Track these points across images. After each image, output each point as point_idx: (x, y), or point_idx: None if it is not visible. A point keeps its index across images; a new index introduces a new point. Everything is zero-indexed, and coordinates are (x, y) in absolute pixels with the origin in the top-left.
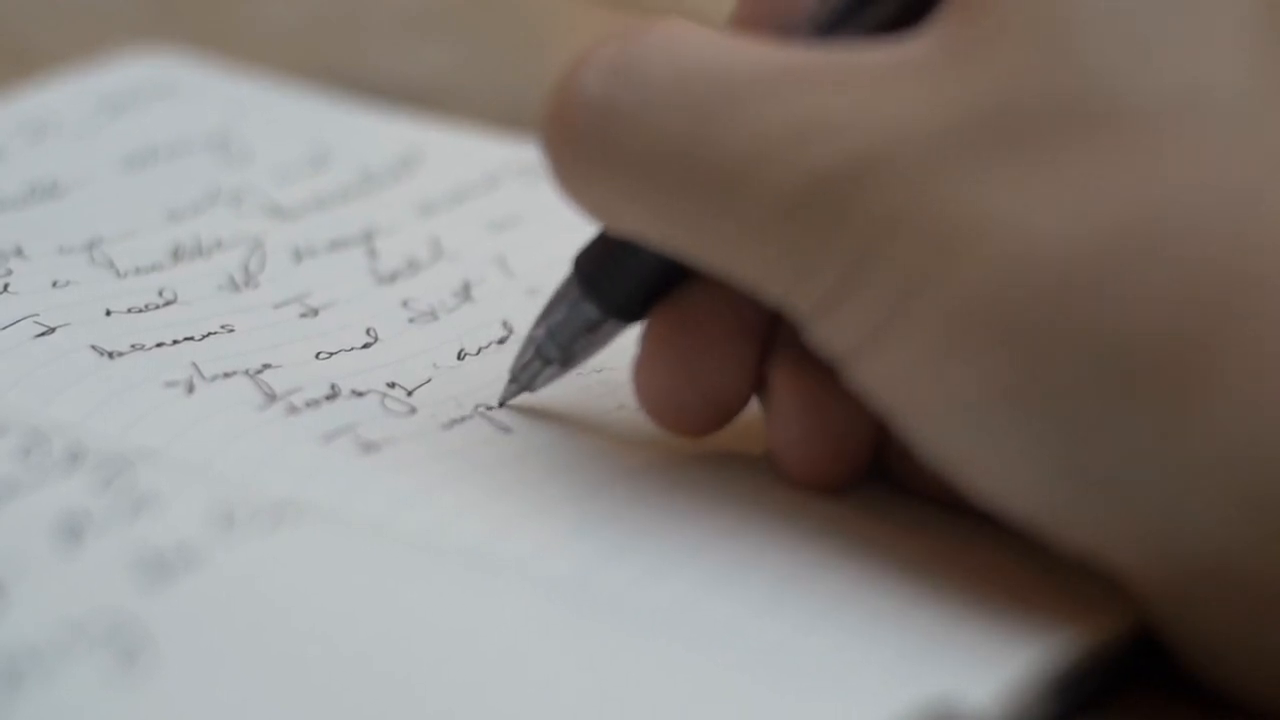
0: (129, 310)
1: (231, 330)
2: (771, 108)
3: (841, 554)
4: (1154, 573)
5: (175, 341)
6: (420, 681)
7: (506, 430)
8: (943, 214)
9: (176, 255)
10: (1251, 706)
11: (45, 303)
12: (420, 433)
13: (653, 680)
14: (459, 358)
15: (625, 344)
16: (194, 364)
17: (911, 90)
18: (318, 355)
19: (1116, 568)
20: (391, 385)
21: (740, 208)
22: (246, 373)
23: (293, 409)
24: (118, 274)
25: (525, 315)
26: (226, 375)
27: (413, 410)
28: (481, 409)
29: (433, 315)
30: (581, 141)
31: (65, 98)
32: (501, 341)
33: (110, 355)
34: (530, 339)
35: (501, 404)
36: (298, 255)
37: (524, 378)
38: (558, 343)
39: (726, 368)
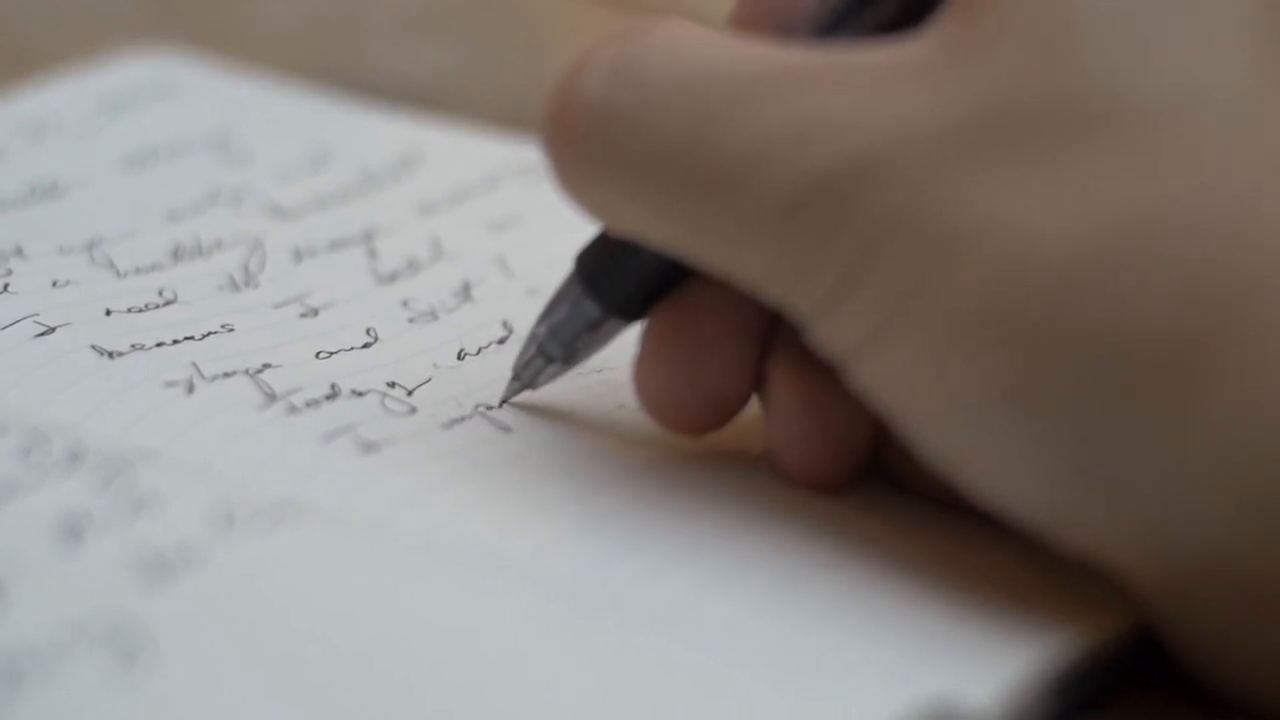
0: (129, 310)
1: (231, 330)
2: (771, 108)
3: (841, 554)
4: (1154, 573)
5: (175, 341)
6: (420, 681)
7: (507, 430)
8: (943, 214)
9: (176, 255)
10: (1251, 706)
11: (45, 303)
12: (420, 433)
13: (653, 680)
14: (459, 358)
15: (626, 344)
16: (194, 364)
17: (911, 90)
18: (318, 355)
19: (1116, 568)
20: (391, 385)
21: (740, 208)
22: (246, 373)
23: (293, 409)
24: (118, 274)
25: (525, 315)
26: (226, 375)
27: (413, 410)
28: (481, 409)
29: (433, 315)
30: (582, 142)
31: (65, 98)
32: (501, 341)
33: (110, 355)
34: (532, 336)
35: (503, 402)
36: (298, 255)
37: (526, 375)
38: (560, 341)
39: (726, 367)
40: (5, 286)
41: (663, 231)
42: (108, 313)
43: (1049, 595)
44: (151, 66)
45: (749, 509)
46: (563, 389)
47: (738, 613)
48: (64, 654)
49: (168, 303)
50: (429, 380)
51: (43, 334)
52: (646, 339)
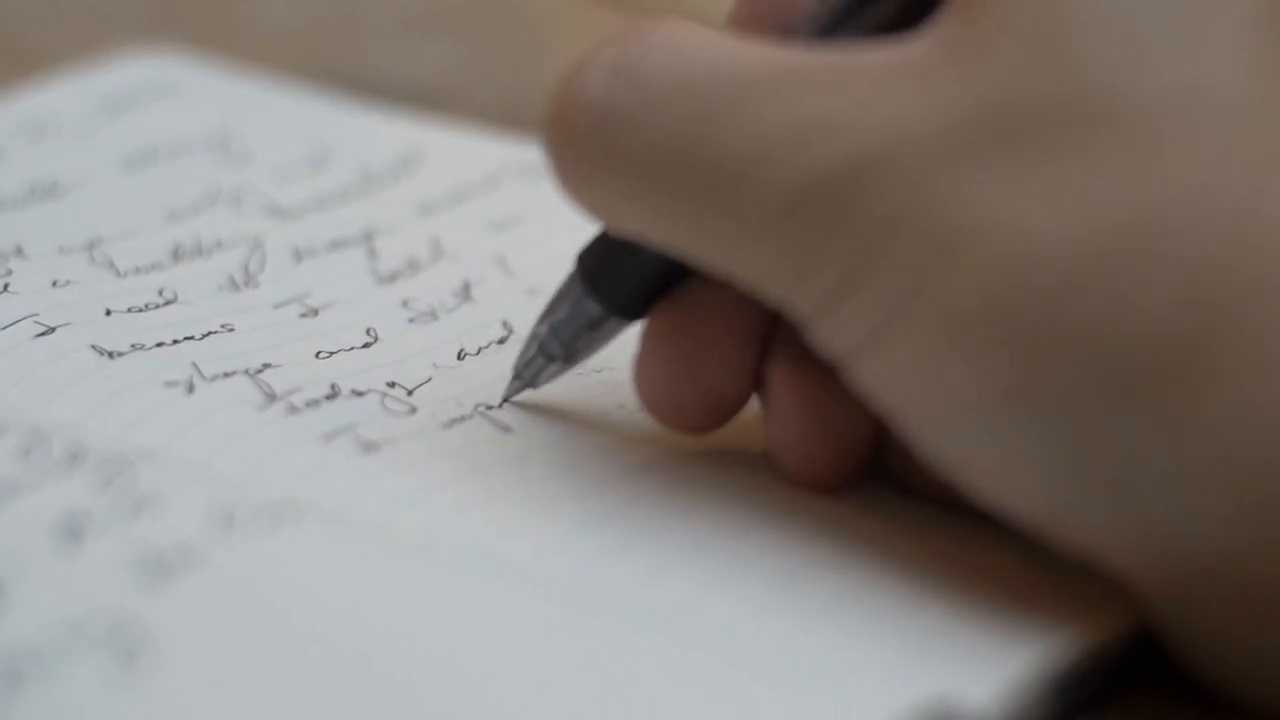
0: (129, 310)
1: (231, 330)
2: (771, 108)
3: (841, 554)
4: (1154, 573)
5: (175, 341)
6: (420, 681)
7: (507, 430)
8: (942, 214)
9: (176, 255)
10: (1251, 706)
11: (45, 303)
12: (420, 432)
13: (653, 680)
14: (459, 358)
15: (626, 343)
16: (194, 364)
17: (912, 90)
18: (318, 355)
19: (1117, 568)
20: (391, 385)
21: (740, 208)
22: (246, 372)
23: (293, 409)
24: (118, 274)
25: (525, 315)
26: (226, 375)
27: (413, 410)
28: (482, 408)
29: (433, 315)
30: (583, 142)
31: (65, 98)
32: (501, 341)
33: (110, 355)
34: (534, 335)
35: (504, 401)
36: (298, 255)
37: (527, 374)
38: (560, 339)
39: (726, 366)
40: (5, 286)
41: (663, 231)
42: (108, 313)
43: (1049, 595)
44: (151, 66)
45: (749, 509)
46: (563, 389)
47: (738, 613)
48: (64, 654)
49: (168, 303)
50: (429, 380)
51: (43, 334)
52: (647, 338)
